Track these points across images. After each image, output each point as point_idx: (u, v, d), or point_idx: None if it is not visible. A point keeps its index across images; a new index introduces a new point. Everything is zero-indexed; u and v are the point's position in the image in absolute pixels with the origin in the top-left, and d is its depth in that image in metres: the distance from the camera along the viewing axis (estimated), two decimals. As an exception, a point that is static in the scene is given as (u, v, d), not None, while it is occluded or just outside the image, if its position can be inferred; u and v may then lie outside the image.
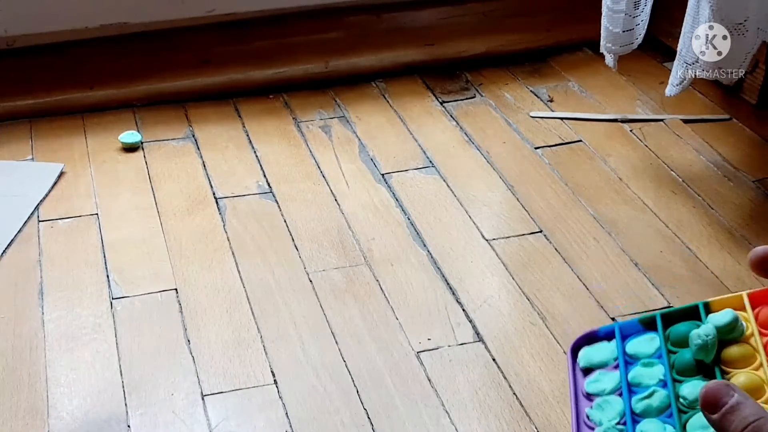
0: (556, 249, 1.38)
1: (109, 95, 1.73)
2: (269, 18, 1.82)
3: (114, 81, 1.74)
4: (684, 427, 0.65)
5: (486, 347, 1.20)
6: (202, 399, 1.13)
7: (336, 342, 1.21)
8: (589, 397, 0.70)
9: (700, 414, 0.64)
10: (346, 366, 1.18)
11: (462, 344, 1.21)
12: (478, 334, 1.23)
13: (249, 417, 1.11)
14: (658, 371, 0.69)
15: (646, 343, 0.72)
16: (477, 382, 1.15)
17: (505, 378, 1.16)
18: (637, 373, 0.70)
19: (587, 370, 0.72)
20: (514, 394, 1.14)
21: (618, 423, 0.67)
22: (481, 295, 1.29)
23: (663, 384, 0.68)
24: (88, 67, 1.74)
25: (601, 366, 0.72)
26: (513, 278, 1.32)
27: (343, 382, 1.15)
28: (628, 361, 0.72)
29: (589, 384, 0.71)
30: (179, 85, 1.76)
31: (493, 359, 1.19)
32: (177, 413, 1.11)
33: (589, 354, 0.73)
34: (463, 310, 1.27)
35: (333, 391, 1.14)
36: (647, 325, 0.73)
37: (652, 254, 1.36)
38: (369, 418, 1.11)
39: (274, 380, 1.16)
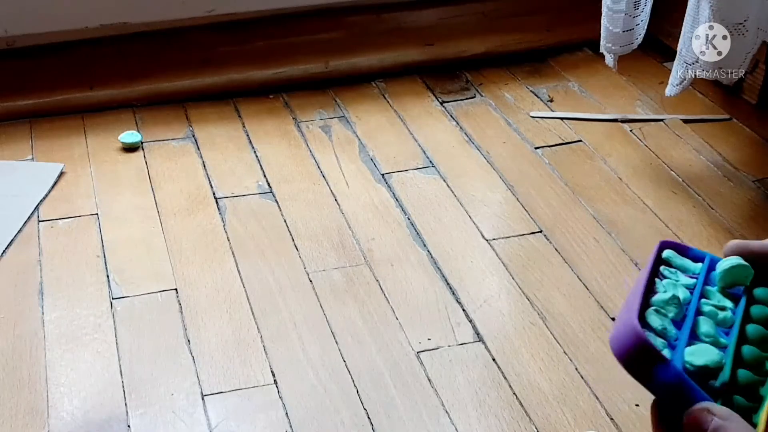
0: (556, 249, 1.38)
1: (109, 95, 1.73)
2: (269, 18, 1.82)
3: (114, 81, 1.74)
4: (738, 349, 0.64)
5: (486, 347, 1.20)
6: (202, 399, 1.13)
7: (336, 342, 1.21)
8: (663, 277, 0.70)
9: (756, 350, 0.64)
10: (346, 366, 1.18)
11: (462, 344, 1.21)
12: (478, 334, 1.23)
13: (249, 417, 1.11)
14: (731, 303, 0.69)
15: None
16: (477, 382, 1.15)
17: (505, 378, 1.16)
18: (712, 292, 0.70)
19: (667, 263, 0.72)
20: (514, 394, 1.14)
21: (679, 303, 0.66)
22: (481, 295, 1.29)
23: (733, 313, 0.68)
24: (88, 67, 1.74)
25: (681, 270, 0.72)
26: (513, 278, 1.32)
27: (343, 382, 1.15)
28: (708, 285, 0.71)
29: (665, 270, 0.70)
30: (179, 85, 1.76)
31: (493, 359, 1.19)
32: (177, 413, 1.11)
33: (673, 255, 0.73)
34: (463, 310, 1.27)
35: (333, 391, 1.14)
36: None
37: (652, 254, 1.36)
38: (369, 418, 1.11)
39: (274, 380, 1.16)
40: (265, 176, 1.55)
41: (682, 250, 0.75)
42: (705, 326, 0.65)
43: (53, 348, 1.21)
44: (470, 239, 1.40)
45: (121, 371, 1.17)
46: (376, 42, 1.84)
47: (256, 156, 1.60)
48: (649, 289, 0.67)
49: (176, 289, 1.31)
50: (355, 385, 1.15)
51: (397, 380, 1.16)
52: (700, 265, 0.73)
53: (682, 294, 0.68)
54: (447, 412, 1.11)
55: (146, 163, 1.59)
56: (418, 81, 1.82)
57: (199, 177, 1.55)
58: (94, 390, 1.15)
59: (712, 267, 0.73)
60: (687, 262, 0.73)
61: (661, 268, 0.71)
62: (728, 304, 0.69)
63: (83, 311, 1.27)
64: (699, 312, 0.67)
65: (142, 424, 1.10)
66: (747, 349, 0.65)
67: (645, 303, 0.65)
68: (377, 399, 1.13)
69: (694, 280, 0.71)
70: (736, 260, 0.68)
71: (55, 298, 1.29)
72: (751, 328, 0.67)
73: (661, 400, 0.60)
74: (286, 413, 1.11)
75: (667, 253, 0.73)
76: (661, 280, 0.69)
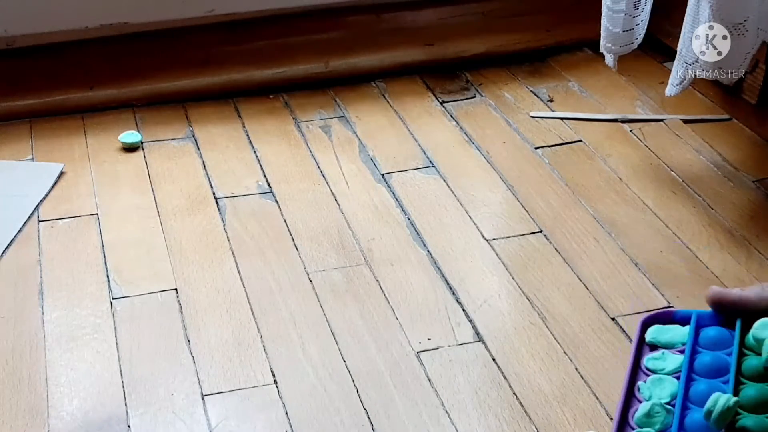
0: (556, 249, 1.38)
1: (109, 95, 1.73)
2: (269, 18, 1.82)
3: (114, 81, 1.74)
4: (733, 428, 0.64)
5: (486, 347, 1.20)
6: (202, 399, 1.13)
7: (336, 342, 1.21)
8: (647, 372, 0.70)
9: (753, 417, 0.64)
10: (346, 366, 1.18)
11: (462, 344, 1.21)
12: (478, 334, 1.23)
13: (249, 417, 1.11)
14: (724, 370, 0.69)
15: (719, 339, 0.71)
16: (477, 382, 1.15)
17: (505, 378, 1.16)
18: (703, 361, 0.69)
19: (653, 347, 0.72)
20: (514, 394, 1.14)
21: (667, 403, 0.66)
22: (481, 295, 1.29)
23: (725, 381, 0.68)
24: (88, 67, 1.74)
25: (668, 347, 0.71)
26: (513, 278, 1.32)
27: (343, 382, 1.15)
28: (697, 350, 0.70)
29: (650, 360, 0.70)
30: (179, 85, 1.76)
31: (493, 359, 1.19)
32: (177, 413, 1.11)
33: (659, 332, 0.73)
34: (463, 310, 1.27)
35: (333, 391, 1.14)
36: (725, 322, 0.72)
37: (652, 254, 1.36)
38: (369, 418, 1.11)
39: (274, 380, 1.16)
40: (265, 176, 1.55)
41: (666, 317, 0.74)
42: (696, 414, 0.65)
43: (53, 348, 1.21)
44: (470, 239, 1.40)
45: (121, 371, 1.17)
46: (376, 42, 1.84)
47: (256, 156, 1.60)
48: (630, 394, 0.67)
49: (176, 289, 1.31)
50: (355, 385, 1.15)
51: (397, 380, 1.16)
52: (687, 329, 0.72)
53: (668, 389, 0.67)
54: (447, 412, 1.11)
55: (146, 163, 1.59)
56: (418, 81, 1.82)
57: (199, 177, 1.55)
58: (94, 390, 1.15)
59: (700, 325, 0.73)
60: (673, 333, 0.72)
61: (645, 360, 0.70)
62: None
63: (83, 311, 1.27)
64: (688, 400, 0.66)
65: (142, 424, 1.10)
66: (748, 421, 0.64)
67: (625, 422, 0.65)
68: (377, 399, 1.13)
69: (682, 356, 0.70)
70: (725, 401, 0.66)
71: (55, 298, 1.29)
72: (746, 392, 0.66)
73: None
74: (286, 413, 1.11)
75: (651, 334, 0.72)
76: (645, 380, 0.68)
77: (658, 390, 0.68)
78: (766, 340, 0.68)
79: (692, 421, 0.65)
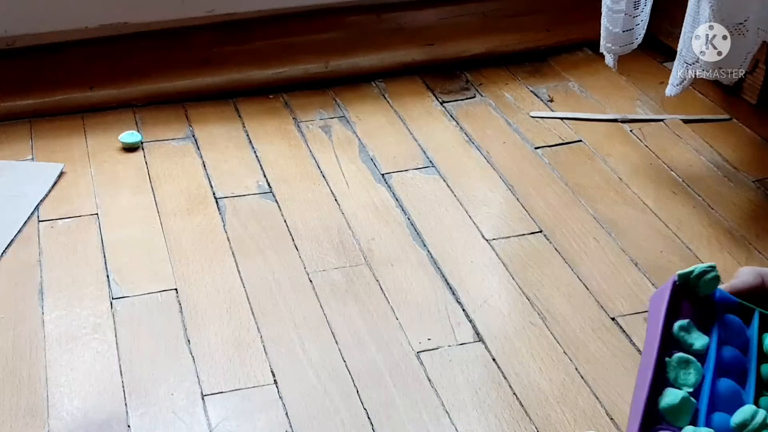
0: (556, 249, 1.38)
1: (109, 95, 1.73)
2: (269, 18, 1.82)
3: (114, 81, 1.74)
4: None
5: (486, 347, 1.20)
6: (202, 399, 1.13)
7: (336, 342, 1.21)
8: (675, 341, 0.68)
9: None
10: (346, 366, 1.18)
11: (462, 344, 1.21)
12: (478, 334, 1.23)
13: (249, 417, 1.11)
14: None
15: (738, 334, 0.70)
16: (477, 382, 1.15)
17: (505, 378, 1.16)
18: (724, 357, 0.68)
19: (676, 343, 0.69)
20: (514, 394, 1.14)
21: (691, 393, 0.65)
22: (481, 295, 1.29)
23: (741, 383, 0.68)
24: (88, 67, 1.74)
25: (693, 353, 0.69)
26: (513, 278, 1.32)
27: (343, 382, 1.15)
28: (722, 338, 0.69)
29: (679, 330, 0.69)
30: (179, 85, 1.76)
31: (493, 359, 1.19)
32: (177, 413, 1.11)
33: (685, 332, 0.71)
34: (463, 310, 1.27)
35: (333, 391, 1.14)
36: (743, 312, 0.72)
37: (652, 254, 1.36)
38: (369, 418, 1.11)
39: (274, 380, 1.16)
40: (265, 176, 1.55)
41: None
42: (719, 417, 0.65)
43: (53, 348, 1.21)
44: (470, 239, 1.40)
45: (121, 371, 1.17)
46: (376, 42, 1.84)
47: (256, 156, 1.60)
48: (658, 377, 0.65)
49: (176, 289, 1.31)
50: (355, 385, 1.15)
51: (397, 380, 1.16)
52: (707, 341, 0.69)
53: (693, 377, 0.66)
54: (447, 412, 1.11)
55: (146, 163, 1.59)
56: (418, 81, 1.82)
57: (199, 177, 1.55)
58: (94, 390, 1.15)
59: (723, 301, 0.71)
60: (697, 339, 0.69)
61: (676, 325, 0.68)
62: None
63: (83, 311, 1.27)
64: (714, 394, 0.65)
65: (142, 424, 1.10)
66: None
67: (653, 406, 0.64)
68: (377, 399, 1.13)
69: (706, 338, 0.69)
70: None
71: (55, 298, 1.29)
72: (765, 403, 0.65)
73: None
74: (286, 413, 1.11)
75: (678, 331, 0.69)
76: (671, 355, 0.67)
77: (683, 374, 0.66)
78: None
79: (718, 424, 0.64)
